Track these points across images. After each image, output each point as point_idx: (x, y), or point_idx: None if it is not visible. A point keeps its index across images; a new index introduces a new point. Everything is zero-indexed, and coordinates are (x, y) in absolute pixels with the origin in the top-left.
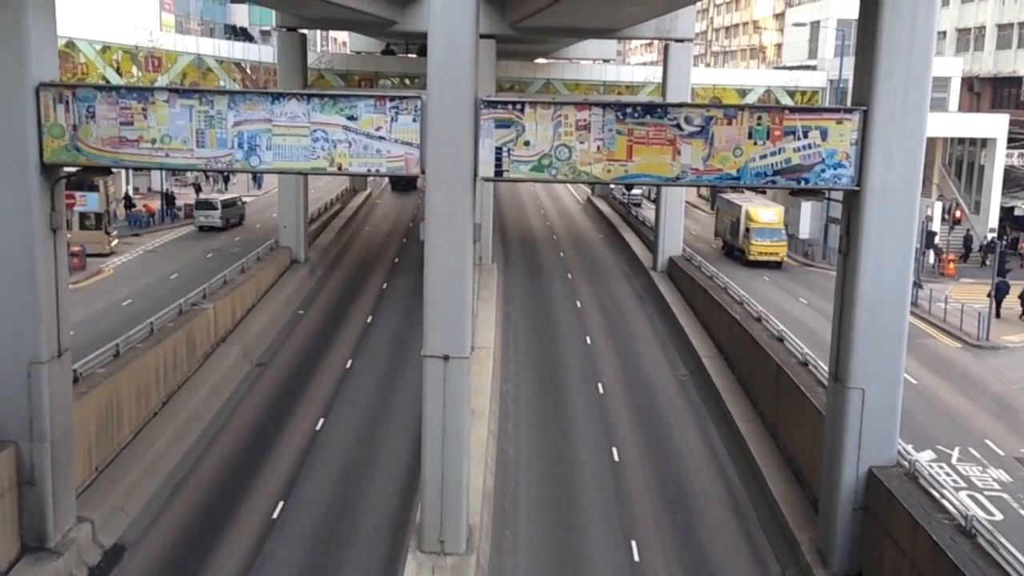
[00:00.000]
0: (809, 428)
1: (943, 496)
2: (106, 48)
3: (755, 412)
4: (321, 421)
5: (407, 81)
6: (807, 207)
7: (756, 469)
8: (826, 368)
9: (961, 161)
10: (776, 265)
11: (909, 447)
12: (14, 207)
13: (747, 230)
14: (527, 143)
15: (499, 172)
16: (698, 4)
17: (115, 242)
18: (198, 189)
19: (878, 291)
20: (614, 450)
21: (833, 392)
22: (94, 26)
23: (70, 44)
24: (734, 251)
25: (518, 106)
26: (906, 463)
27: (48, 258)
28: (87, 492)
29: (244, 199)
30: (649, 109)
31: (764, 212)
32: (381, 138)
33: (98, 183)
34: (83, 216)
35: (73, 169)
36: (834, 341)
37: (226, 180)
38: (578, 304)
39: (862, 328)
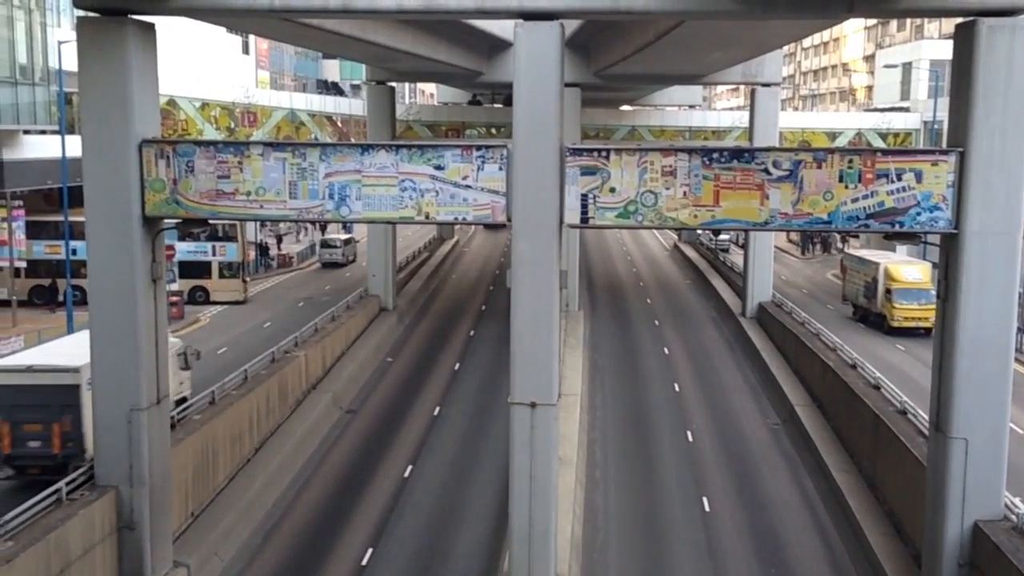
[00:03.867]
0: (909, 479)
1: None
2: (205, 105)
3: (852, 462)
4: (409, 468)
5: (493, 130)
6: (902, 251)
7: (854, 522)
8: (926, 417)
9: None
10: (926, 332)
11: (1016, 500)
12: (118, 259)
13: (887, 291)
14: (613, 190)
15: (585, 219)
16: (785, 48)
17: (257, 290)
18: (279, 240)
19: (980, 336)
20: (705, 500)
21: (934, 442)
22: (194, 84)
23: (171, 102)
24: (870, 317)
25: (603, 153)
26: (1014, 517)
27: (149, 308)
28: (183, 537)
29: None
30: (736, 154)
31: (908, 270)
32: (468, 187)
33: (236, 234)
34: (222, 265)
35: (173, 221)
36: (934, 389)
37: (323, 229)
38: (666, 351)
39: (964, 375)
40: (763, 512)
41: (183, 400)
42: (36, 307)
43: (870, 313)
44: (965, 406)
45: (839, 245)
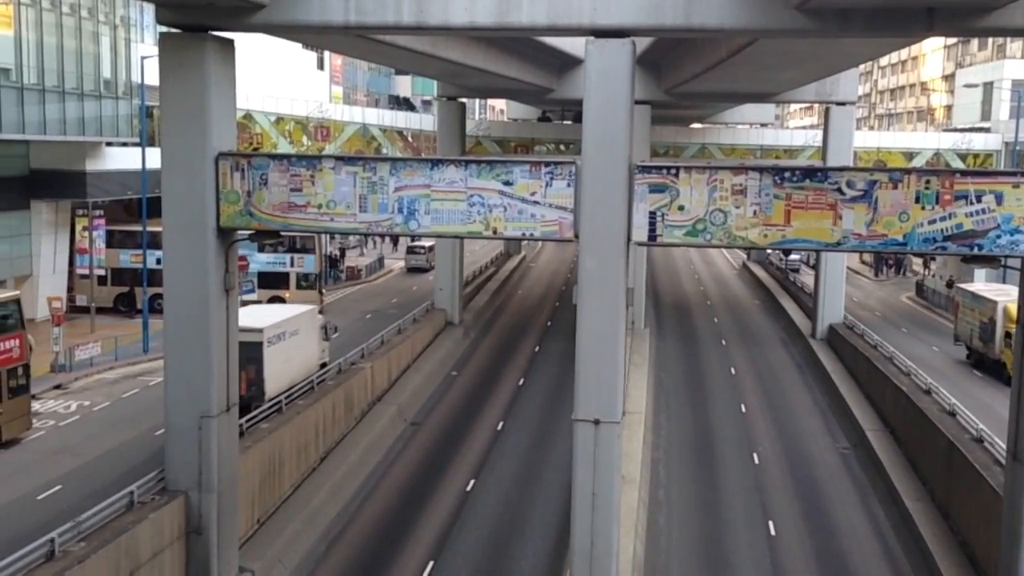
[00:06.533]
0: (985, 509)
1: None
2: (280, 119)
3: (924, 490)
4: (472, 482)
5: (562, 147)
6: (980, 275)
7: (926, 552)
8: (1003, 445)
9: None
10: None
11: None
12: (193, 269)
13: (1007, 335)
14: (681, 208)
15: (652, 237)
16: (861, 66)
17: (325, 301)
18: (342, 253)
19: None
20: (770, 524)
21: (1012, 471)
22: (270, 99)
23: (248, 116)
24: (986, 363)
25: (672, 171)
26: None
27: (220, 317)
28: (249, 543)
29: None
30: (808, 173)
31: None
32: (536, 203)
33: (313, 246)
34: (299, 276)
35: (246, 233)
36: (1012, 416)
37: (394, 242)
38: (732, 371)
39: None
40: (831, 538)
41: (324, 364)
42: (120, 314)
43: (986, 358)
44: None
45: (915, 267)
